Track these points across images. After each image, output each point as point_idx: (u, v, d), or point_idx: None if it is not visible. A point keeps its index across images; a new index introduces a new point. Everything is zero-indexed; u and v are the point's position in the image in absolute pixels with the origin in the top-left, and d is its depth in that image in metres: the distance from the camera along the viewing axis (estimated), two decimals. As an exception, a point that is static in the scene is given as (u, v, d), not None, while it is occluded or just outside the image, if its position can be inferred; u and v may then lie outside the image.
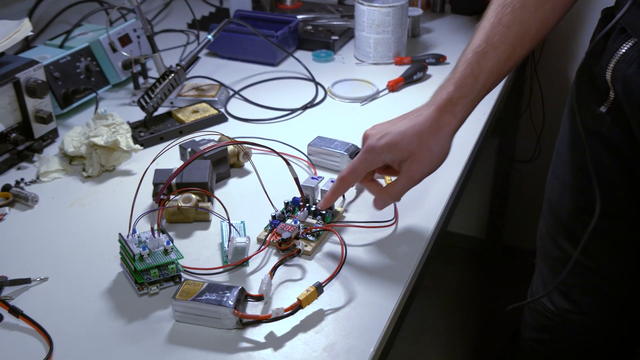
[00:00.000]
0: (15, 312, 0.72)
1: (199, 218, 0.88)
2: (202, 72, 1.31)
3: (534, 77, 1.71)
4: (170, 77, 1.11)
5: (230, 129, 1.13)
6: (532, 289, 1.05)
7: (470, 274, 2.04)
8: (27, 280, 0.77)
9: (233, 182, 0.98)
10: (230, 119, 1.16)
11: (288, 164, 0.83)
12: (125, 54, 1.21)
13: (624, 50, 0.80)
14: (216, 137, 1.02)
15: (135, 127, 1.09)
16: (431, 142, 0.76)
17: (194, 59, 1.13)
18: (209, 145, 0.96)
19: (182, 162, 0.97)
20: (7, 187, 0.94)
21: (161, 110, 1.16)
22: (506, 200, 1.94)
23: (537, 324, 1.02)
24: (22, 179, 0.98)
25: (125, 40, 1.27)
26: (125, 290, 0.77)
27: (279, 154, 0.86)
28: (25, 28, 1.02)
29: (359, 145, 0.99)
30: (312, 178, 0.90)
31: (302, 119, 1.17)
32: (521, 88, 1.74)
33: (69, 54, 1.16)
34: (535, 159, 1.83)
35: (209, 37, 1.15)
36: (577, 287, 0.96)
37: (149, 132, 1.08)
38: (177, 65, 1.12)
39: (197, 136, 1.02)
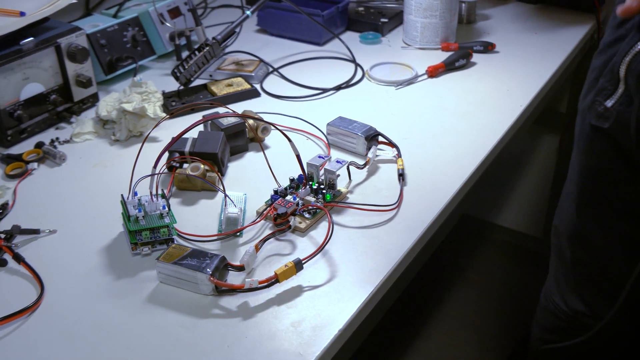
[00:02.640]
0: (18, 258, 0.77)
1: (207, 187, 0.91)
2: (247, 47, 1.34)
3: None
4: (205, 50, 1.13)
5: (260, 104, 1.15)
6: (545, 288, 1.01)
7: (521, 272, 1.98)
8: (36, 231, 0.82)
9: (249, 156, 1.00)
10: (263, 94, 1.18)
11: (289, 140, 0.84)
12: (169, 25, 1.25)
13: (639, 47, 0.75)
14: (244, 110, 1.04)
15: (169, 96, 1.13)
16: None
17: (230, 34, 1.16)
18: (229, 115, 0.98)
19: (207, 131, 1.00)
20: (39, 145, 1.01)
21: (199, 82, 1.20)
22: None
23: (549, 324, 0.98)
24: (57, 138, 1.04)
25: (175, 12, 1.31)
26: (121, 249, 0.80)
27: (278, 128, 0.87)
28: (70, -4, 1.07)
29: (378, 128, 0.99)
30: (319, 157, 0.90)
31: (334, 99, 1.17)
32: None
33: (117, 22, 1.22)
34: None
35: (248, 12, 1.17)
36: (588, 289, 0.91)
37: (180, 102, 1.12)
38: (213, 38, 1.15)
39: (225, 110, 1.05)
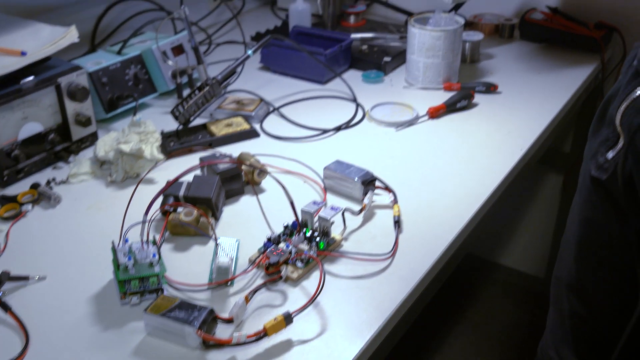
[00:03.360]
0: (5, 307, 0.76)
1: (200, 233, 0.90)
2: (249, 84, 1.34)
3: (605, 111, 1.61)
4: (205, 89, 1.13)
5: (259, 144, 1.14)
6: (542, 341, 0.99)
7: (525, 313, 1.95)
8: (25, 278, 0.82)
9: (245, 199, 0.99)
10: (262, 134, 1.17)
11: (283, 187, 0.83)
12: (170, 63, 1.25)
13: (636, 94, 0.74)
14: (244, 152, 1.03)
15: (167, 136, 1.13)
16: None
17: (231, 73, 1.16)
18: (224, 160, 0.98)
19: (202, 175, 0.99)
20: (35, 186, 1.00)
21: (199, 121, 1.20)
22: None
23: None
24: (54, 179, 1.04)
25: (178, 49, 1.31)
26: (111, 297, 0.79)
27: (272, 176, 0.86)
28: (70, 35, 1.08)
29: (377, 172, 0.98)
30: (314, 203, 0.89)
31: (334, 139, 1.16)
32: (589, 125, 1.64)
33: (119, 60, 1.22)
34: (604, 197, 1.72)
35: (249, 52, 1.17)
36: (583, 343, 0.89)
37: (179, 142, 1.12)
38: (214, 78, 1.15)
39: (223, 151, 1.04)
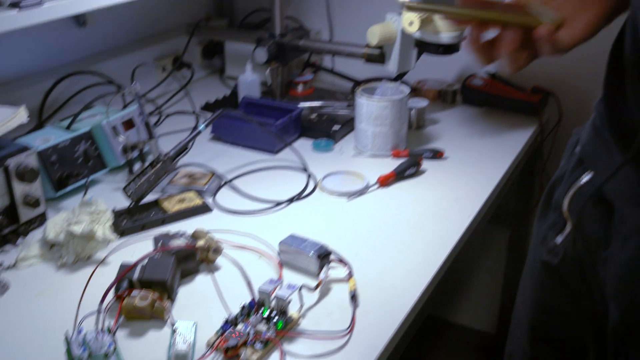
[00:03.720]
0: (-49, 408, 0.73)
1: (156, 316, 0.88)
2: (201, 157, 1.35)
3: (543, 172, 1.68)
4: (157, 166, 1.14)
5: (213, 220, 1.14)
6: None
7: (482, 368, 1.97)
8: (-27, 374, 0.79)
9: (200, 279, 0.98)
10: (215, 209, 1.18)
11: (240, 267, 0.83)
12: (120, 139, 1.25)
13: (582, 182, 0.77)
14: (195, 228, 1.03)
15: (119, 214, 1.12)
16: None
17: (183, 149, 1.17)
18: (178, 243, 0.98)
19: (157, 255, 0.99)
20: (-18, 272, 0.98)
21: (151, 196, 1.19)
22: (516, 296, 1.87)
23: None
24: (1, 263, 1.01)
25: (129, 124, 1.31)
26: (64, 391, 0.77)
27: (227, 255, 0.86)
28: (19, 116, 1.07)
29: (331, 244, 0.99)
30: (270, 281, 0.89)
31: (287, 211, 1.18)
32: (532, 181, 1.71)
33: (69, 137, 1.21)
34: (550, 252, 1.77)
35: (201, 127, 1.19)
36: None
37: (131, 220, 1.11)
38: (165, 155, 1.15)
39: (175, 228, 1.04)
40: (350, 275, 0.96)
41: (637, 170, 0.68)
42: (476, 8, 0.67)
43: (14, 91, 1.37)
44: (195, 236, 1.01)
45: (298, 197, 1.21)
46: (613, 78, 0.73)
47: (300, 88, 1.64)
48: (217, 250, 1.00)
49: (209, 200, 1.20)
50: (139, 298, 0.88)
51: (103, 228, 1.02)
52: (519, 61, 0.67)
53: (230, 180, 1.26)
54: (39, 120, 1.40)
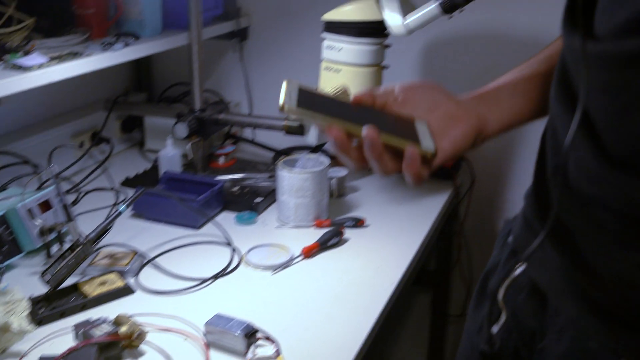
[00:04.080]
0: None
1: (77, 411, 0.85)
2: (122, 236, 1.32)
3: (461, 233, 1.75)
4: (76, 250, 1.11)
5: (136, 302, 1.12)
6: None
7: None
8: None
9: (124, 366, 0.96)
10: (138, 290, 1.15)
11: (164, 352, 0.82)
12: (37, 222, 1.22)
13: (516, 274, 0.79)
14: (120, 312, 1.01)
15: (37, 301, 1.08)
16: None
17: (104, 231, 1.15)
18: (99, 332, 0.95)
19: (76, 343, 0.96)
20: None
21: (71, 280, 1.16)
22: (443, 355, 1.90)
23: None
24: None
25: (45, 205, 1.28)
26: None
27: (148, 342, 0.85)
28: None
29: (258, 320, 0.99)
30: (197, 367, 0.88)
31: (214, 288, 1.17)
32: (450, 242, 1.77)
33: (-19, 224, 1.17)
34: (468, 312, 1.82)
35: (121, 208, 1.17)
36: None
37: (49, 307, 1.07)
38: (86, 237, 1.13)
39: (100, 314, 1.01)
40: (277, 353, 0.96)
41: (556, 251, 0.71)
42: (364, 113, 0.68)
43: None
44: (118, 322, 0.99)
45: (223, 273, 1.20)
46: (541, 174, 0.76)
47: (221, 160, 1.65)
48: (141, 336, 0.98)
49: (132, 281, 1.18)
50: (59, 393, 0.85)
51: (19, 319, 0.98)
52: (388, 168, 0.67)
53: (153, 259, 1.25)
54: (-52, 205, 1.35)
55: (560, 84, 0.67)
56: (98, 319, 1.00)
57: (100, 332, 0.95)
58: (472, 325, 0.88)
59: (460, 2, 1.15)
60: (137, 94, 1.87)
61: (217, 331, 0.99)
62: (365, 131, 0.64)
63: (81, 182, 1.60)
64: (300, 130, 1.47)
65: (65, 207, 1.20)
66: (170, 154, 1.54)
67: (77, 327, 0.98)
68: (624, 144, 0.58)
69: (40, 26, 1.27)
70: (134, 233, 1.36)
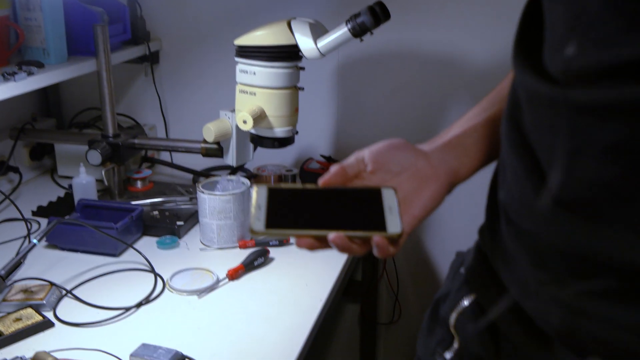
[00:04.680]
0: None
1: None
2: (36, 268, 1.27)
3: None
4: (-13, 287, 1.06)
5: (56, 336, 1.07)
6: None
7: None
8: None
9: (46, 405, 0.92)
10: (57, 324, 1.11)
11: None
12: (-56, 261, 1.15)
13: (465, 304, 0.79)
14: (35, 351, 0.96)
15: (-54, 344, 1.02)
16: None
17: (17, 266, 1.10)
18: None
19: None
20: None
21: (-18, 320, 1.10)
22: (375, 362, 1.94)
23: None
24: None
25: (-49, 242, 1.21)
26: None
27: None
28: None
29: (186, 347, 0.97)
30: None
31: (137, 317, 1.14)
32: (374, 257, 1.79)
33: None
34: (396, 320, 1.86)
35: (35, 241, 1.13)
36: None
37: (-40, 349, 1.01)
38: (-3, 273, 1.08)
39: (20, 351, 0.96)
40: (208, 378, 0.95)
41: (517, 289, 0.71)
42: (331, 204, 0.69)
43: None
44: (36, 359, 0.95)
45: (147, 300, 1.18)
46: (492, 211, 0.77)
47: (139, 184, 1.61)
48: (64, 372, 0.94)
49: (50, 315, 1.13)
50: None
51: None
52: (358, 252, 0.68)
53: (71, 290, 1.20)
54: None
55: (510, 119, 0.67)
56: (16, 358, 0.95)
57: (18, 372, 0.90)
58: (425, 351, 0.88)
59: (368, 27, 1.18)
60: (46, 120, 1.80)
61: (144, 361, 0.96)
62: (332, 237, 0.65)
63: (-12, 214, 1.52)
64: (218, 153, 1.47)
65: (-26, 242, 1.14)
66: (85, 181, 1.49)
67: (-7, 368, 0.93)
68: (570, 187, 0.57)
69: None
70: (49, 264, 1.30)
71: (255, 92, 1.31)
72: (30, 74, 1.30)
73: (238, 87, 1.33)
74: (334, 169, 0.71)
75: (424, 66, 1.60)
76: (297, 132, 1.37)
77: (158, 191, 1.61)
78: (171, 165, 1.77)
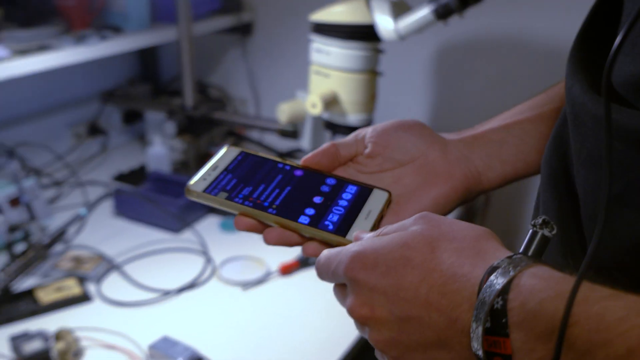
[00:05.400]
0: None
1: None
2: (99, 235, 1.25)
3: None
4: (29, 253, 1.05)
5: (91, 312, 1.05)
6: None
7: None
8: None
9: (57, 386, 0.89)
10: (96, 299, 1.09)
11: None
12: (2, 218, 1.16)
13: None
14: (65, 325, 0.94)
15: (-15, 305, 1.03)
16: None
17: (60, 235, 1.08)
18: (33, 346, 0.88)
19: (14, 355, 0.89)
20: None
21: (30, 284, 1.10)
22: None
23: None
24: None
25: (17, 201, 1.23)
26: None
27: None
28: None
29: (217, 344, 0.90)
30: (123, 397, 0.80)
31: (176, 302, 1.09)
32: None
33: (-58, 218, 1.12)
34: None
35: (81, 212, 1.11)
36: None
37: (-3, 312, 1.01)
38: (39, 241, 1.07)
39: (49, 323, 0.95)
40: (220, 385, 0.88)
41: None
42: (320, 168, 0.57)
43: None
44: (59, 336, 0.92)
45: (190, 285, 1.13)
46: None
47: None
48: (77, 355, 0.91)
49: (92, 288, 1.11)
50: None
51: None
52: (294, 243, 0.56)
53: (120, 266, 1.18)
54: None
55: (556, 138, 0.52)
56: (37, 332, 0.93)
57: (30, 348, 0.88)
58: None
59: (454, 8, 1.03)
60: (142, 84, 1.81)
61: (159, 356, 0.91)
62: (267, 232, 0.54)
63: (73, 174, 1.54)
64: (294, 135, 1.38)
65: (28, 206, 1.14)
66: (159, 152, 1.46)
67: (14, 338, 0.91)
68: (609, 248, 0.43)
69: (15, 16, 1.21)
70: (110, 233, 1.29)
71: (329, 74, 1.20)
72: (103, 38, 1.27)
73: (313, 68, 1.23)
74: (324, 146, 0.57)
75: (531, 55, 1.40)
76: (371, 122, 1.25)
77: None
78: (258, 144, 1.70)
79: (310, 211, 0.55)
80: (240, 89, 1.80)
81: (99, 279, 1.14)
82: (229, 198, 0.55)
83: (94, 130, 1.65)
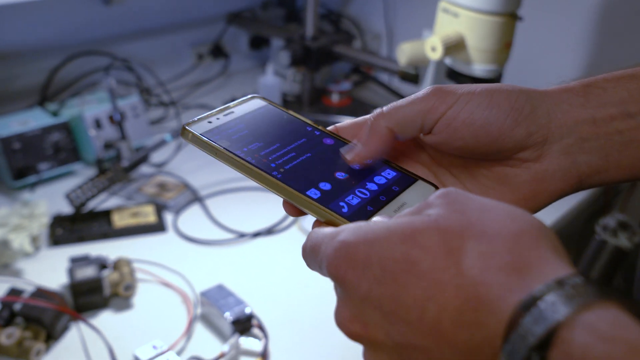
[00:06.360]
0: None
1: (22, 358, 0.76)
2: (190, 164, 1.21)
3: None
4: (109, 174, 1.01)
5: (162, 243, 1.00)
6: None
7: None
8: None
9: (104, 317, 0.85)
10: (170, 230, 1.04)
11: (151, 312, 0.68)
12: (93, 134, 1.14)
13: None
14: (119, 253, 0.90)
15: (60, 220, 1.01)
16: None
17: (141, 160, 1.03)
18: (85, 273, 0.84)
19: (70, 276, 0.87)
20: None
21: (108, 205, 1.07)
22: None
23: None
24: None
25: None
26: None
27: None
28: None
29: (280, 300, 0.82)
30: (153, 347, 0.74)
31: (248, 247, 1.01)
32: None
33: (40, 127, 1.12)
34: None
35: (166, 137, 1.05)
36: None
37: (70, 230, 0.99)
38: (119, 164, 1.03)
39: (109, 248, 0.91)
40: (263, 355, 0.78)
41: None
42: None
43: (22, 64, 1.30)
44: (116, 266, 0.88)
45: (267, 231, 1.04)
46: None
47: (334, 97, 1.45)
48: (129, 289, 0.86)
49: (169, 219, 1.06)
50: (5, 335, 0.76)
51: (22, 238, 0.91)
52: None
53: (202, 199, 1.12)
54: (41, 98, 1.32)
55: None
56: (97, 257, 0.89)
57: (82, 274, 0.84)
58: None
59: None
60: (275, 8, 1.71)
61: (209, 305, 0.84)
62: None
63: (188, 95, 1.50)
64: (414, 79, 1.22)
65: (120, 125, 1.10)
66: (270, 82, 1.37)
67: (74, 259, 0.88)
68: None
69: None
70: (203, 162, 1.23)
71: (458, 14, 1.02)
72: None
73: (441, 5, 1.05)
74: (375, 114, 0.45)
75: None
76: (501, 74, 1.06)
77: (351, 110, 1.44)
78: (384, 86, 1.56)
79: (325, 186, 0.43)
80: (374, 23, 1.64)
81: (178, 210, 1.08)
82: (229, 149, 0.43)
83: (218, 52, 1.59)
